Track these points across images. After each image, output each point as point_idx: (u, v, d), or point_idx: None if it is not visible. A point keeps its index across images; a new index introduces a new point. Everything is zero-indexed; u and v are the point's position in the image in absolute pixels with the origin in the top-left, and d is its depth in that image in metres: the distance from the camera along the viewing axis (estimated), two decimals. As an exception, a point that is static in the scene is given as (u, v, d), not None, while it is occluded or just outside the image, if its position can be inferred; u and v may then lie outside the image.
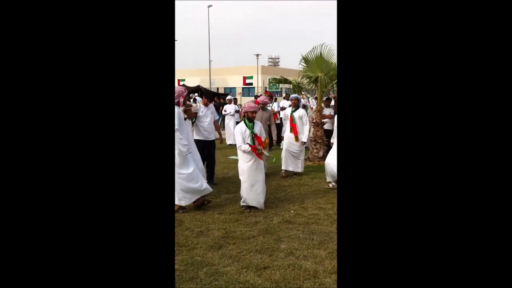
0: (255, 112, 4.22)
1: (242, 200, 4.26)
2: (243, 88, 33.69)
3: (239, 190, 5.10)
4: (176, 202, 4.04)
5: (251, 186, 4.17)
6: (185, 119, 4.43)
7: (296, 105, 6.10)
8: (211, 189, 4.35)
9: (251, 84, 33.50)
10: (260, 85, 30.51)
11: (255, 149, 4.10)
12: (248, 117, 4.17)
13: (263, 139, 4.21)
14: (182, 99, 4.24)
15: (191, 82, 25.62)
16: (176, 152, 3.94)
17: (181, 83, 24.17)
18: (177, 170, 3.91)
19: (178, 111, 4.11)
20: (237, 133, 4.17)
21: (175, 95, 4.19)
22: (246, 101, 12.00)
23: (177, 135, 3.94)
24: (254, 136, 4.14)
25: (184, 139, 4.05)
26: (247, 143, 4.14)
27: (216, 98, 14.31)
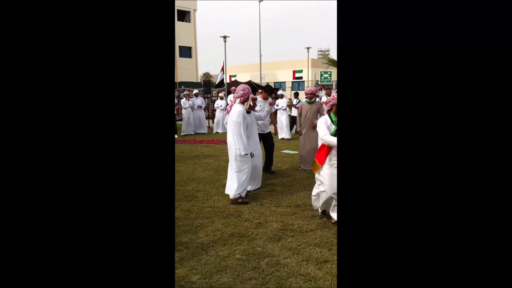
0: None
1: (321, 211, 3.71)
2: (292, 82, 33.44)
3: (293, 183, 5.14)
4: (237, 193, 4.28)
5: (332, 199, 3.46)
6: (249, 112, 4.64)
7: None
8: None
9: (301, 78, 33.15)
10: (310, 78, 30.06)
11: None
12: (335, 111, 3.45)
13: None
14: (248, 96, 4.42)
15: (242, 78, 25.97)
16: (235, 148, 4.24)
17: (233, 78, 24.62)
18: (238, 165, 4.26)
19: (242, 108, 4.31)
20: (321, 124, 3.44)
21: (243, 93, 4.36)
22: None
23: (239, 134, 4.16)
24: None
25: (246, 137, 4.26)
26: None
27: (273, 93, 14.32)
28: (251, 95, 4.68)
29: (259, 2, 26.36)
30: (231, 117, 4.29)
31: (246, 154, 4.23)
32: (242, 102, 4.38)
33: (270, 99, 5.50)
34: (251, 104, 4.63)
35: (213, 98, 14.13)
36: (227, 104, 12.67)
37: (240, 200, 4.25)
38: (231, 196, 4.29)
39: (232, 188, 4.31)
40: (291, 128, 10.99)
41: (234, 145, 4.26)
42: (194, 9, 32.03)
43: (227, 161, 6.89)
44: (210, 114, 13.86)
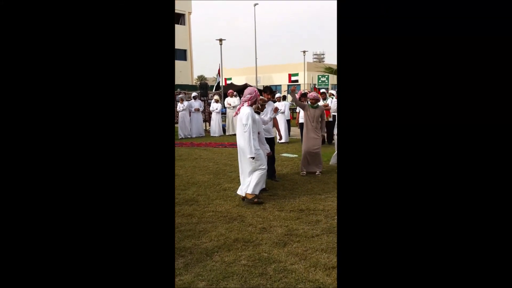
0: None
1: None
2: (288, 85, 33.46)
3: (295, 187, 5.10)
4: (253, 191, 4.33)
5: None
6: (258, 113, 4.70)
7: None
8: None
9: (297, 81, 33.20)
10: (306, 81, 30.14)
11: None
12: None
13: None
14: (257, 99, 4.49)
15: (238, 81, 25.94)
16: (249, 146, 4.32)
17: (228, 81, 24.59)
18: (254, 166, 4.33)
19: (251, 111, 4.34)
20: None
21: (250, 96, 4.41)
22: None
23: (248, 136, 4.22)
24: None
25: (256, 139, 4.32)
26: None
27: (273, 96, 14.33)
28: (260, 97, 4.70)
29: (254, 5, 26.44)
30: (240, 120, 4.32)
31: (253, 158, 4.24)
32: (251, 105, 4.42)
33: (274, 104, 5.47)
34: (259, 106, 4.66)
35: (209, 101, 14.06)
36: (223, 107, 12.62)
37: (255, 200, 4.29)
38: (249, 192, 4.32)
39: (250, 186, 4.33)
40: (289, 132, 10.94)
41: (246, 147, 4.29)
42: (189, 12, 31.98)
43: (226, 164, 6.87)
44: (207, 117, 13.78)
